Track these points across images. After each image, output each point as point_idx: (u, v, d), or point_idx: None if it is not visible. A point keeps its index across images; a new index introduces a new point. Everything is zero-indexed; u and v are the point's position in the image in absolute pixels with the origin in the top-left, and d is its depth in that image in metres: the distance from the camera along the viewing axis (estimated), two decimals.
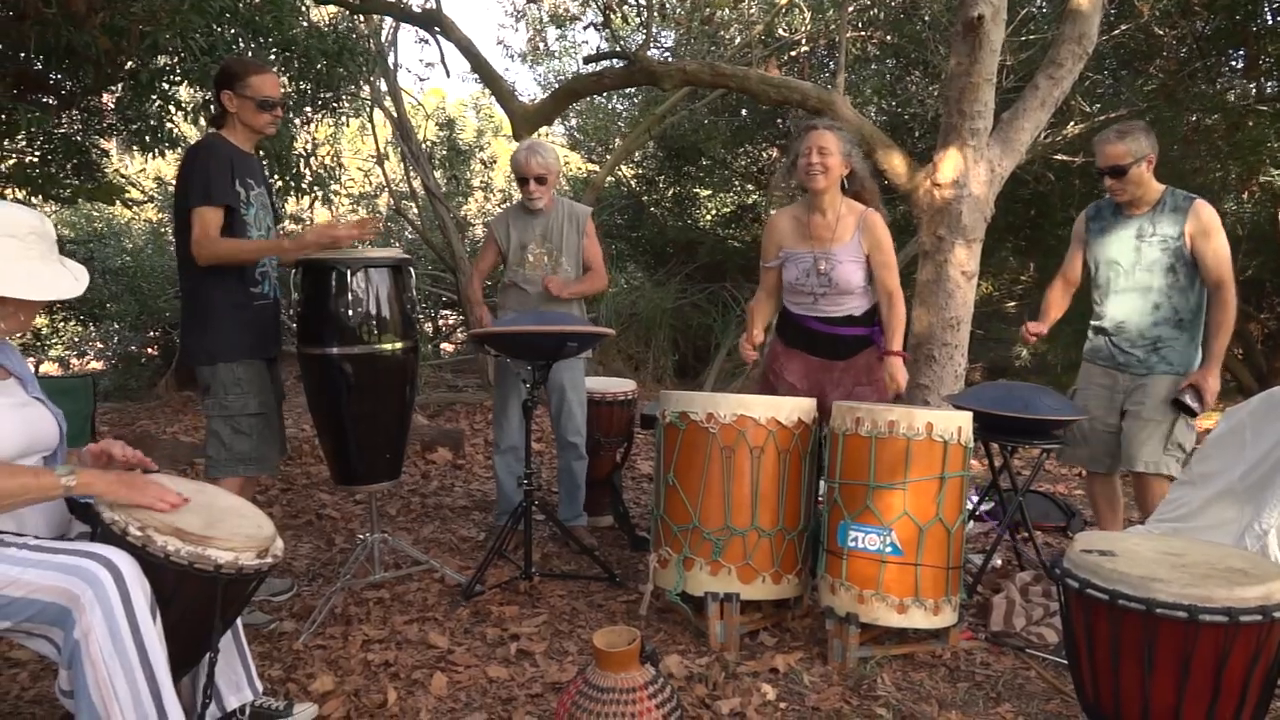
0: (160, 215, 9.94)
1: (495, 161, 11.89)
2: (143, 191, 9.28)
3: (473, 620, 3.04)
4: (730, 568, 2.84)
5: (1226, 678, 1.79)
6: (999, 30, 4.34)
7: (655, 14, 7.47)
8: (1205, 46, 7.41)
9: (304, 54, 4.95)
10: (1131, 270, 3.27)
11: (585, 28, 11.45)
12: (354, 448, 3.02)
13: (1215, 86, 7.63)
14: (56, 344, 8.95)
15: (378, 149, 8.76)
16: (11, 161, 5.03)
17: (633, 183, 11.19)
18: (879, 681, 2.59)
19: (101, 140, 5.28)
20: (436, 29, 6.85)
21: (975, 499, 3.98)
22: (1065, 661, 2.60)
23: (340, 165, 8.61)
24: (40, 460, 1.97)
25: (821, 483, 3.01)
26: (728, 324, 8.96)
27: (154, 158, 4.92)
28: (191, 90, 5.14)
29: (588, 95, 8.16)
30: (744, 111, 9.81)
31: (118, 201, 5.46)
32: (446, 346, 10.60)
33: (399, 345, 3.00)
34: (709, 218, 11.49)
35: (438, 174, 9.77)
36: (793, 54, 8.84)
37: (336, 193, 6.77)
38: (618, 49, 6.13)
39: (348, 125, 9.17)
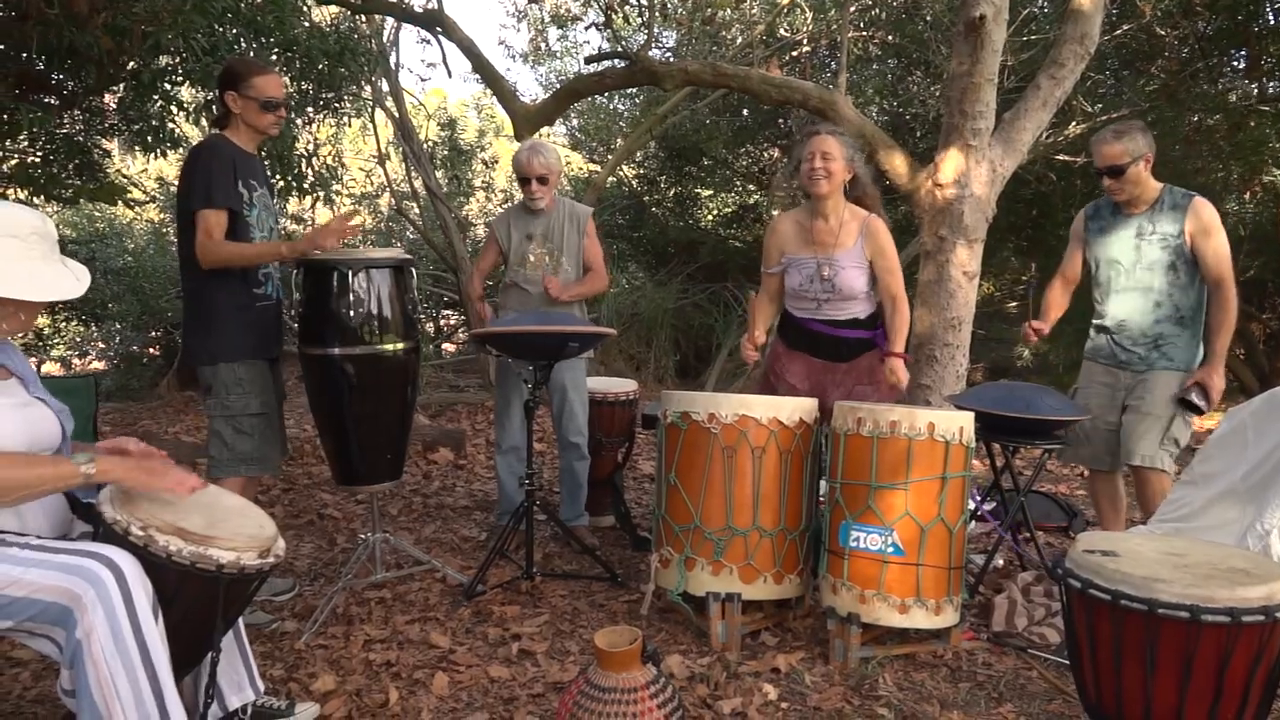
0: (162, 215, 9.94)
1: (497, 161, 11.89)
2: (144, 192, 9.28)
3: (474, 620, 3.04)
4: (732, 568, 2.84)
5: (1229, 678, 1.79)
6: (1001, 30, 4.34)
7: (656, 14, 7.47)
8: (1207, 47, 7.41)
9: (306, 54, 4.95)
10: (1132, 269, 3.27)
11: (587, 28, 11.45)
12: (356, 448, 3.02)
13: (1217, 87, 7.62)
14: (58, 344, 8.96)
15: (379, 149, 8.76)
16: (14, 162, 5.03)
17: (634, 183, 11.19)
18: (880, 681, 2.59)
19: (103, 140, 5.29)
20: (438, 29, 6.85)
21: (977, 499, 3.98)
22: (1067, 662, 2.59)
23: (342, 165, 8.61)
24: None
25: (823, 483, 3.01)
26: (729, 324, 8.96)
27: (156, 158, 4.92)
28: (193, 90, 5.14)
29: (589, 95, 8.16)
30: (745, 112, 9.81)
31: (119, 202, 5.46)
32: (448, 346, 10.61)
33: (400, 345, 3.00)
34: (710, 218, 11.49)
35: (439, 174, 9.77)
36: (794, 54, 8.84)
37: (338, 193, 6.76)
38: (619, 49, 6.13)
39: (349, 125, 9.15)
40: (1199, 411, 3.13)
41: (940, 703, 2.48)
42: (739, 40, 9.07)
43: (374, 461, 3.06)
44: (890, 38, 8.64)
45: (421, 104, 9.82)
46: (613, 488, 4.11)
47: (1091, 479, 3.55)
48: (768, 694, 2.49)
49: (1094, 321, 3.44)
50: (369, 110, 8.06)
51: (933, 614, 2.67)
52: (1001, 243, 9.23)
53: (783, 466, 2.86)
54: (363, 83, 6.31)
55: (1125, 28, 7.27)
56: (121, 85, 4.58)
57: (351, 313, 2.91)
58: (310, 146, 6.07)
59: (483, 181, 11.81)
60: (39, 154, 5.00)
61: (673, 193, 11.09)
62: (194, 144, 3.12)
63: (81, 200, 5.85)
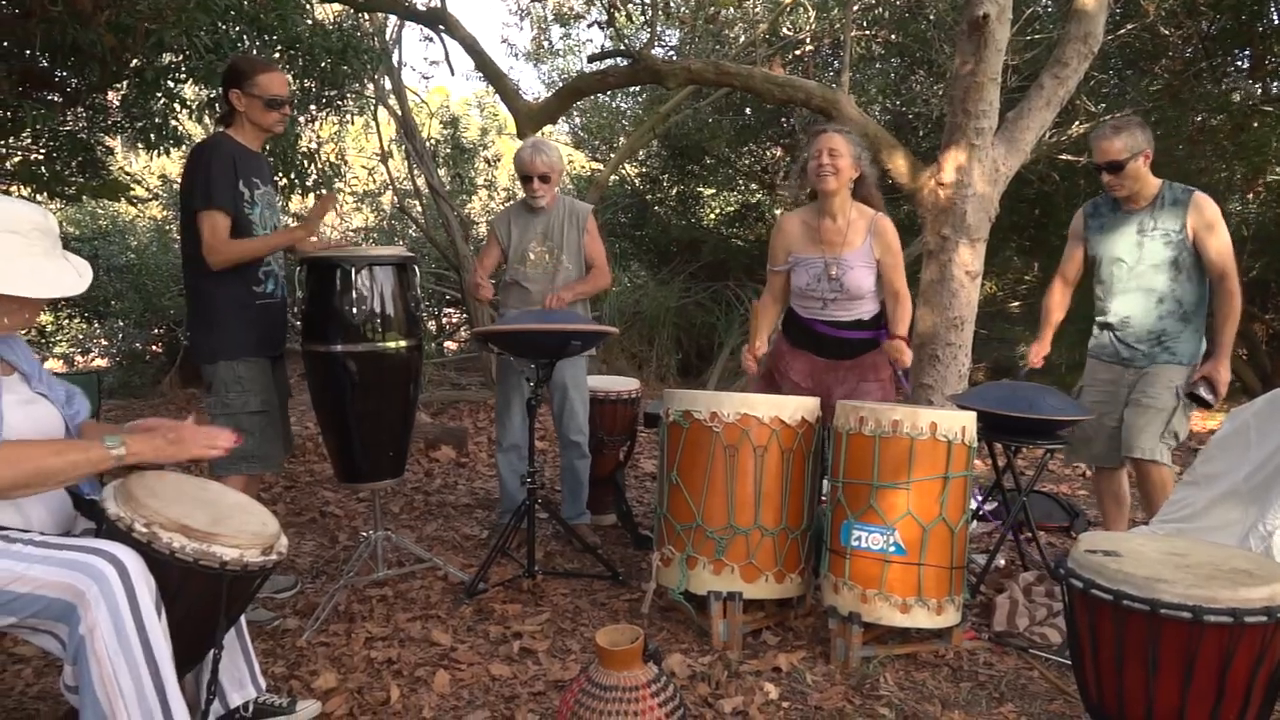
0: (165, 213, 9.95)
1: (499, 159, 11.89)
2: (147, 189, 9.30)
3: (476, 618, 3.04)
4: (733, 566, 2.84)
5: (1231, 679, 1.79)
6: (1004, 29, 4.34)
7: (659, 12, 7.47)
8: (1211, 46, 7.40)
9: (308, 52, 4.95)
10: (1135, 266, 3.27)
11: (589, 26, 11.46)
12: (358, 445, 3.03)
13: (1221, 86, 7.61)
14: (61, 341, 8.97)
15: (382, 147, 8.76)
16: (17, 159, 5.04)
17: (637, 181, 11.19)
18: (882, 681, 2.59)
19: (106, 138, 5.28)
20: (441, 27, 6.84)
21: (979, 499, 3.98)
22: (1069, 662, 2.59)
23: (344, 163, 8.61)
24: None
25: (825, 482, 3.01)
26: (731, 323, 8.96)
27: (158, 155, 4.93)
28: (196, 88, 5.14)
29: (592, 94, 8.16)
30: (748, 110, 9.80)
31: (122, 199, 5.46)
32: (450, 345, 10.61)
33: (403, 343, 3.00)
34: (713, 217, 11.48)
35: (441, 172, 9.78)
36: (797, 53, 8.83)
37: (340, 190, 6.77)
38: (622, 47, 6.13)
39: (352, 123, 9.16)
40: (1207, 405, 3.13)
41: (941, 702, 2.48)
42: (742, 39, 9.06)
43: (376, 459, 3.06)
44: (893, 37, 8.63)
45: (424, 102, 9.82)
46: (614, 486, 4.11)
47: (1096, 477, 3.55)
48: (769, 693, 2.49)
49: (1097, 319, 3.44)
50: (372, 108, 8.07)
51: (934, 614, 2.67)
52: (1004, 242, 9.22)
53: (784, 465, 2.86)
54: (365, 80, 6.31)
55: (1129, 27, 7.26)
56: (125, 83, 4.58)
57: (354, 310, 2.91)
58: (313, 144, 6.07)
59: (485, 180, 11.81)
60: (42, 151, 5.01)
61: (675, 191, 11.09)
62: (197, 142, 3.12)
63: (84, 197, 5.86)
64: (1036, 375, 3.75)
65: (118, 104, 4.91)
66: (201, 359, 3.00)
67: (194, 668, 2.03)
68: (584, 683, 2.04)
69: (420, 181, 8.34)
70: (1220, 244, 3.15)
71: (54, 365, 9.10)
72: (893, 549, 2.65)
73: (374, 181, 11.45)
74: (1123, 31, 7.24)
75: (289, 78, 4.97)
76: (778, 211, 10.94)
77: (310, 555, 3.74)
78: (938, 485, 2.65)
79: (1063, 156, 7.84)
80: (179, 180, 3.07)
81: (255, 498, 2.90)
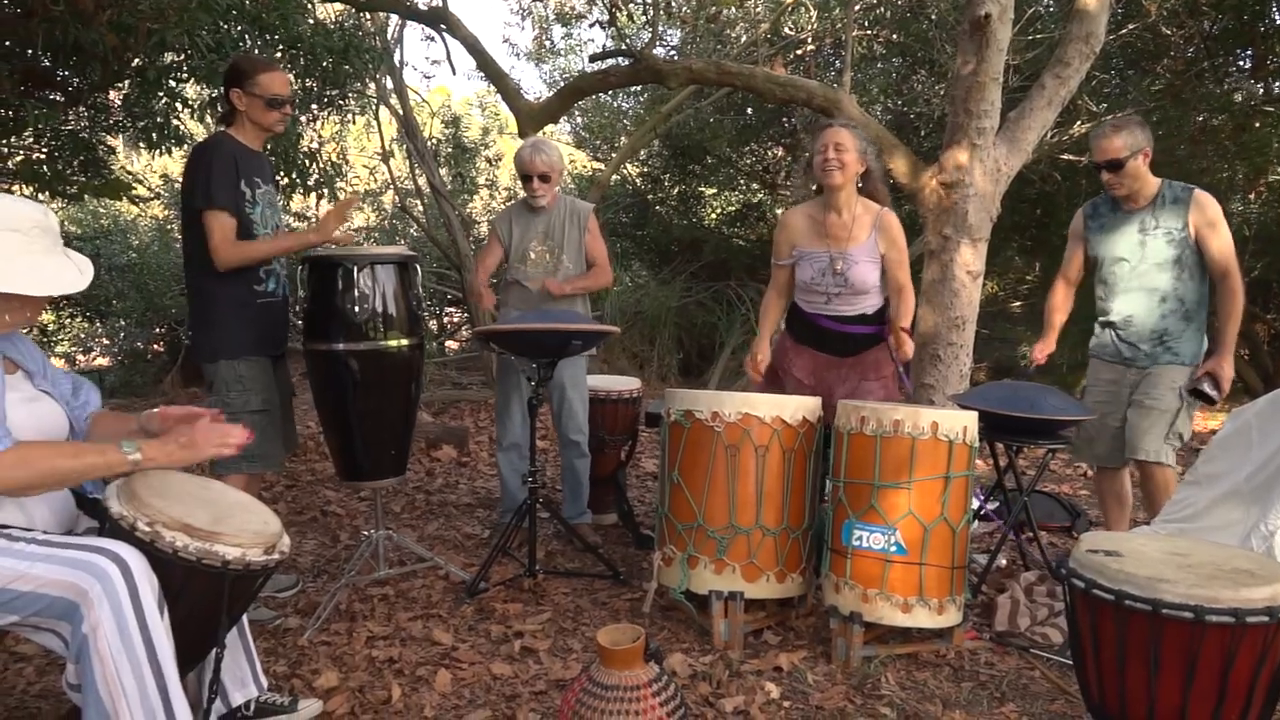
0: (167, 212, 9.95)
1: (501, 159, 11.89)
2: (149, 188, 9.29)
3: (477, 617, 3.05)
4: (734, 566, 2.84)
5: (1232, 679, 1.79)
6: (1006, 29, 4.33)
7: (661, 12, 7.47)
8: (1213, 46, 7.39)
9: (310, 51, 4.94)
10: (1138, 265, 3.27)
11: (591, 26, 11.45)
12: (359, 444, 3.03)
13: (1222, 87, 7.61)
14: (63, 340, 8.97)
15: (383, 146, 8.76)
16: (19, 158, 5.04)
17: (638, 181, 11.19)
18: (883, 681, 2.59)
19: (108, 137, 5.29)
20: (442, 26, 6.85)
21: (980, 499, 3.98)
22: (1070, 662, 2.59)
23: (346, 162, 8.62)
24: None
25: (828, 481, 3.01)
26: (732, 322, 8.96)
27: (160, 155, 4.92)
28: (198, 88, 5.14)
29: (593, 93, 8.16)
30: (749, 110, 9.81)
31: (124, 198, 5.46)
32: (451, 344, 10.61)
33: (404, 342, 3.00)
34: (714, 216, 11.48)
35: (443, 171, 9.77)
36: (798, 52, 8.83)
37: (342, 190, 6.76)
38: (623, 47, 6.13)
39: (353, 123, 9.15)
40: (1211, 401, 3.14)
41: (943, 702, 2.48)
42: (743, 39, 9.06)
43: (378, 458, 3.06)
44: (895, 36, 8.63)
45: (425, 101, 9.81)
46: (616, 486, 4.11)
47: (1098, 477, 3.55)
48: (770, 693, 2.49)
49: (1099, 319, 3.44)
50: (373, 107, 8.07)
51: (935, 613, 2.67)
52: (1006, 242, 9.22)
53: (786, 465, 2.86)
54: (367, 80, 6.31)
55: (1131, 27, 7.25)
56: (126, 82, 4.58)
57: (356, 309, 2.92)
58: (315, 144, 6.07)
59: (486, 179, 11.81)
60: (44, 150, 5.01)
61: (676, 191, 11.09)
62: (199, 141, 3.13)
63: (86, 197, 5.85)
64: (1038, 375, 3.75)
65: (119, 103, 4.91)
66: (202, 358, 3.01)
67: (196, 666, 2.04)
68: (585, 682, 2.04)
69: (421, 181, 8.34)
70: (1222, 242, 3.15)
71: (56, 364, 9.11)
72: (894, 549, 2.65)
73: (375, 181, 11.45)
74: (1124, 31, 7.24)
75: (290, 77, 4.98)
76: (779, 211, 10.94)
77: (312, 554, 3.75)
78: (939, 485, 2.65)
79: (1064, 156, 7.83)
80: (180, 180, 3.07)
81: (256, 496, 2.91)
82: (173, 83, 4.57)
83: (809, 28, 8.89)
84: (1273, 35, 7.15)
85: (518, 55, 12.36)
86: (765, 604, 2.96)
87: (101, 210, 9.89)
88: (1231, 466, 2.70)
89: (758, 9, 9.28)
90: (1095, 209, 3.42)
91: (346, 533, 4.06)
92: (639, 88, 9.83)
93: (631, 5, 7.49)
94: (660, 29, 8.16)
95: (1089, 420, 3.33)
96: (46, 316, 8.31)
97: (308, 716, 2.33)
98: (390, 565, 3.39)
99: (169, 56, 4.44)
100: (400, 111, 7.98)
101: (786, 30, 9.02)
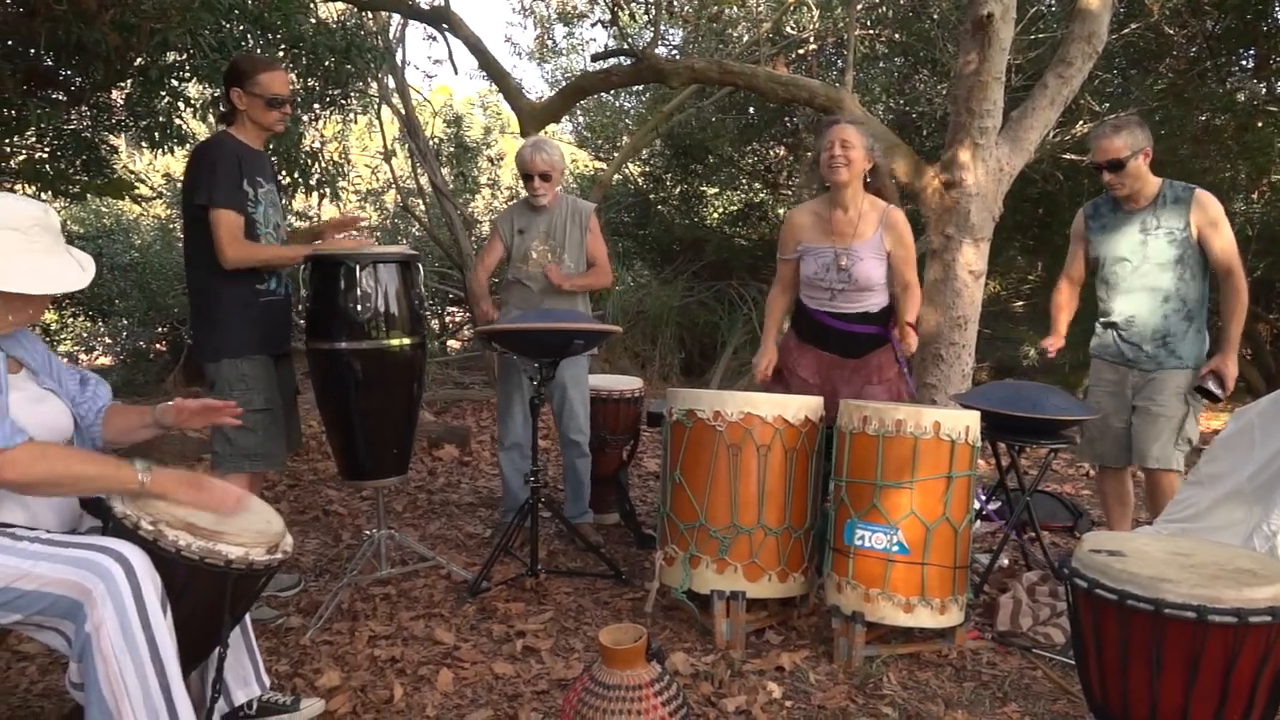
0: (169, 211, 9.96)
1: (502, 158, 11.90)
2: (151, 188, 9.30)
3: (479, 617, 3.05)
4: (736, 566, 2.84)
5: (1235, 679, 1.79)
6: (1008, 28, 4.33)
7: (663, 11, 7.47)
8: (1215, 46, 7.39)
9: (312, 51, 4.95)
10: (1140, 265, 3.26)
11: (593, 25, 11.45)
12: (361, 443, 3.03)
13: (1225, 86, 7.60)
14: (65, 339, 8.98)
15: (385, 146, 8.77)
16: (21, 157, 5.04)
17: (640, 180, 11.19)
18: (885, 680, 2.59)
19: (111, 136, 5.29)
20: (444, 26, 6.85)
21: (982, 499, 3.98)
22: (1072, 662, 2.59)
23: (348, 162, 8.63)
24: None
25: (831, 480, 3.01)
26: (734, 322, 8.96)
27: (163, 154, 4.93)
28: (200, 87, 5.14)
29: (595, 93, 8.16)
30: (751, 109, 9.80)
31: (127, 197, 5.46)
32: (453, 343, 10.62)
33: (407, 341, 3.01)
34: (716, 216, 11.48)
35: (445, 171, 9.78)
36: (800, 52, 8.83)
37: (344, 189, 6.77)
38: (625, 46, 6.13)
39: (355, 122, 9.17)
40: (1215, 399, 3.14)
41: (945, 702, 2.48)
42: (745, 38, 9.06)
43: (380, 457, 3.06)
44: (897, 36, 8.63)
45: (427, 101, 9.82)
46: (617, 485, 4.11)
47: (1100, 477, 3.55)
48: (772, 692, 2.49)
49: (1100, 319, 3.44)
50: (375, 107, 8.07)
51: (937, 613, 2.67)
52: (1008, 242, 9.22)
53: (788, 465, 2.86)
54: (369, 79, 6.31)
55: (1133, 26, 7.25)
56: (129, 81, 4.58)
57: (358, 308, 2.92)
58: (316, 143, 6.07)
59: (488, 178, 11.82)
60: (47, 150, 5.01)
61: (678, 190, 11.09)
62: (200, 140, 3.13)
63: (89, 196, 5.86)
64: (1040, 374, 3.75)
65: (122, 103, 4.91)
66: (205, 357, 3.01)
67: (199, 665, 2.04)
68: (587, 681, 2.04)
69: (423, 180, 8.35)
70: (1225, 241, 3.15)
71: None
72: (896, 548, 2.65)
73: (377, 180, 11.46)
74: (1127, 31, 7.23)
75: (292, 77, 4.98)
76: (781, 210, 10.93)
77: (314, 553, 3.75)
78: (941, 485, 2.65)
79: (1067, 156, 7.83)
80: (182, 179, 3.08)
81: (259, 496, 2.91)
82: (175, 82, 4.57)
83: (811, 27, 8.89)
84: (1275, 35, 7.14)
85: (520, 55, 12.39)
86: (767, 603, 2.96)
87: (104, 210, 9.91)
88: (1234, 466, 2.69)
89: (760, 8, 9.28)
90: (1096, 209, 3.42)
91: (349, 532, 4.06)
92: (641, 87, 9.83)
93: (633, 4, 7.49)
94: (662, 28, 8.17)
95: (1091, 420, 3.33)
96: (49, 316, 8.32)
97: (310, 716, 2.33)
98: (392, 565, 3.40)
99: (171, 56, 4.45)
100: (402, 111, 7.99)
101: (789, 29, 9.02)
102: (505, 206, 8.55)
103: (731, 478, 2.85)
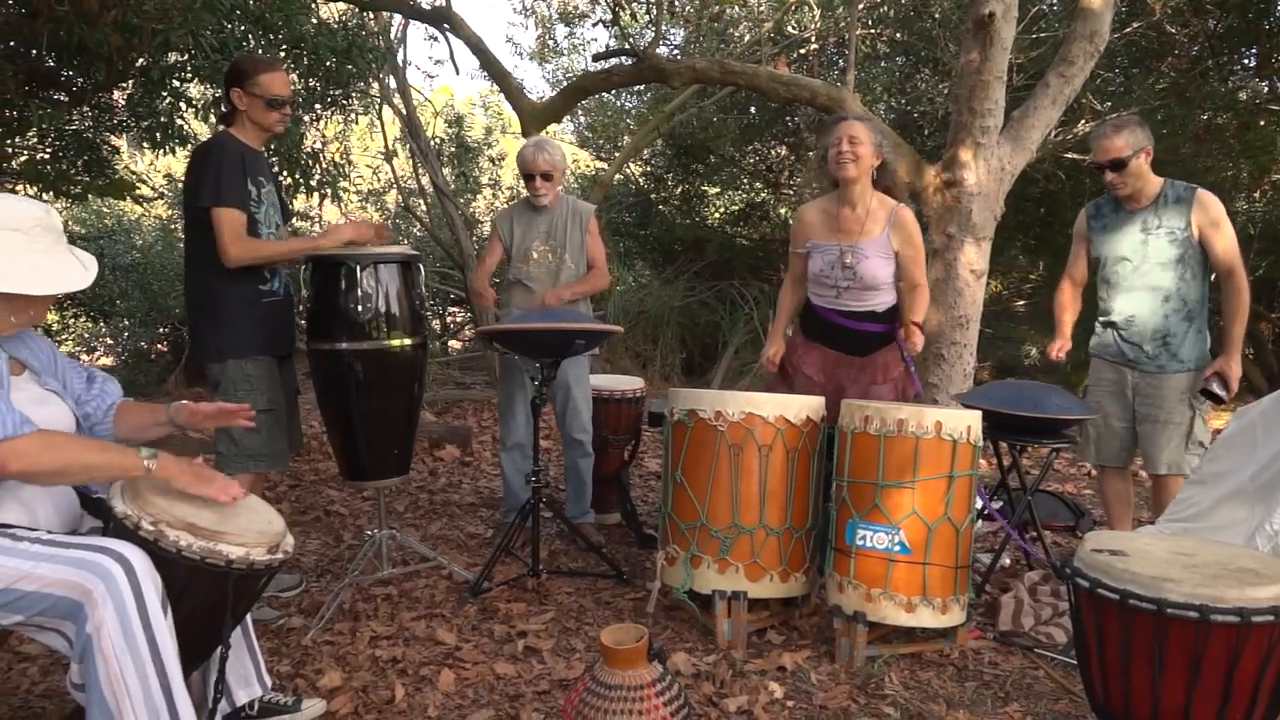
0: (170, 212, 9.97)
1: (504, 158, 11.90)
2: (153, 188, 9.31)
3: (480, 617, 3.05)
4: (738, 566, 2.84)
5: (1238, 679, 1.78)
6: (1010, 27, 4.33)
7: (664, 11, 7.47)
8: (1217, 45, 7.37)
9: (313, 51, 4.95)
10: (1141, 265, 3.26)
11: (594, 25, 11.45)
12: (362, 443, 3.03)
13: (1227, 85, 7.58)
14: (67, 340, 8.99)
15: (386, 146, 8.77)
16: (23, 158, 5.05)
17: (641, 180, 11.18)
18: (886, 680, 2.59)
19: (112, 137, 5.30)
20: (446, 26, 6.86)
21: (984, 498, 3.97)
22: (1074, 661, 2.59)
23: (349, 162, 8.62)
24: None
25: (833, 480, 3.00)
26: (735, 322, 8.95)
27: (164, 154, 4.93)
28: (202, 88, 5.15)
29: (597, 93, 8.16)
30: (753, 109, 9.79)
31: (128, 198, 5.47)
32: (454, 343, 10.62)
33: (408, 341, 3.00)
34: (717, 216, 11.47)
35: (446, 171, 9.78)
36: (802, 51, 8.82)
37: (345, 189, 6.78)
38: (626, 46, 6.13)
39: (357, 122, 9.17)
40: (1220, 401, 3.14)
41: (946, 702, 2.47)
42: (747, 38, 9.05)
43: (381, 457, 3.06)
44: (898, 35, 8.62)
45: (429, 101, 9.82)
46: (619, 485, 4.11)
47: (1101, 476, 3.54)
48: (773, 692, 2.49)
49: (1100, 318, 3.43)
50: (376, 107, 8.08)
51: (939, 613, 2.66)
52: (1009, 241, 9.20)
53: (789, 464, 2.86)
54: (370, 80, 6.31)
55: (1135, 25, 7.24)
56: (130, 82, 4.58)
57: (359, 308, 2.92)
58: (318, 144, 6.08)
59: (490, 179, 11.82)
60: (48, 150, 5.01)
61: (680, 190, 11.08)
62: (201, 141, 3.13)
63: (90, 197, 5.86)
64: (1042, 374, 3.74)
65: (123, 103, 4.91)
66: (208, 358, 3.01)
67: (200, 666, 2.04)
68: (589, 682, 2.04)
69: (425, 180, 8.35)
70: (1226, 241, 3.15)
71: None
72: (898, 548, 2.65)
73: (379, 180, 11.46)
74: (1129, 30, 7.22)
75: (293, 77, 4.99)
76: (783, 210, 10.93)
77: (315, 554, 3.75)
78: (943, 484, 2.65)
79: (1068, 155, 7.82)
80: (184, 180, 3.08)
81: (260, 496, 2.92)
82: (176, 83, 4.58)
83: (812, 27, 8.89)
84: (1277, 33, 7.13)
85: (521, 55, 12.39)
86: (769, 603, 2.96)
87: (105, 210, 9.92)
88: (1236, 465, 2.69)
89: (761, 8, 9.27)
90: (1098, 209, 3.42)
91: (350, 532, 4.06)
92: (642, 87, 9.83)
93: (634, 4, 7.49)
94: (663, 28, 8.17)
95: (1092, 420, 3.33)
96: (50, 316, 8.33)
97: (311, 716, 2.33)
98: (393, 565, 3.40)
99: (173, 56, 4.45)
100: (403, 111, 7.99)
101: (790, 29, 9.01)
102: (503, 207, 8.55)
103: (733, 478, 2.84)
